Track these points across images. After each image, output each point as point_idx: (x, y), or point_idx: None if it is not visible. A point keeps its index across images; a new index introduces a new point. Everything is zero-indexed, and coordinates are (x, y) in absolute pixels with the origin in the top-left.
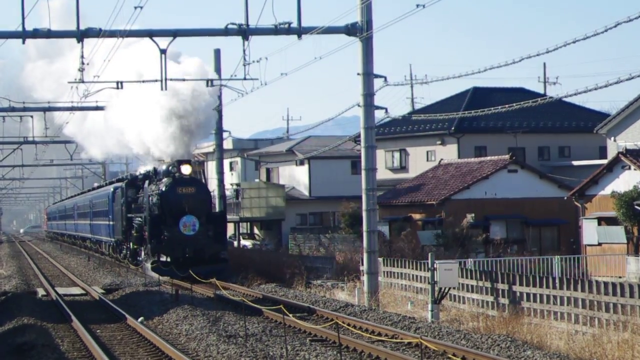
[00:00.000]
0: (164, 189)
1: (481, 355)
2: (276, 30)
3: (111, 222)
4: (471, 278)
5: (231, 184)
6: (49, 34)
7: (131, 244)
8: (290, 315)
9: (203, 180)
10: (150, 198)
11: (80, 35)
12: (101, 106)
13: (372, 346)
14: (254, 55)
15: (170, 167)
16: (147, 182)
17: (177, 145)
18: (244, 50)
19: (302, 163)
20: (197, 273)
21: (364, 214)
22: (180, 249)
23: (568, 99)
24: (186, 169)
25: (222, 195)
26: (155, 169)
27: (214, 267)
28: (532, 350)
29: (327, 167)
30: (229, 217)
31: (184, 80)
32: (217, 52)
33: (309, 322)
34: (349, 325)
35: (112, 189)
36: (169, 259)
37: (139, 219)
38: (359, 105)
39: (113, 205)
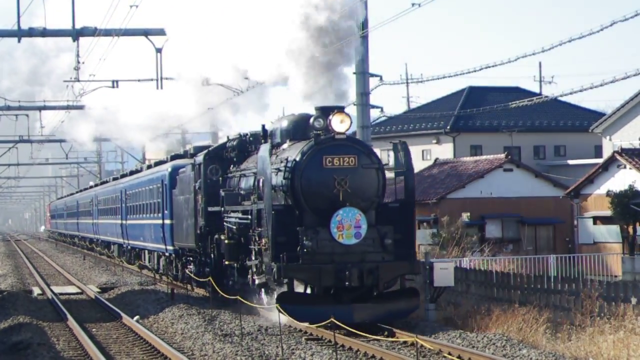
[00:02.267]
0: (297, 159)
1: (477, 354)
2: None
3: (167, 221)
4: (467, 277)
5: None
6: (44, 32)
7: (213, 255)
8: (286, 313)
9: None
10: (272, 177)
11: (76, 34)
12: (97, 105)
13: (367, 345)
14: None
15: (313, 121)
16: (261, 148)
17: (325, 80)
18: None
19: None
20: (368, 319)
21: None
22: (334, 270)
23: (564, 98)
24: (341, 123)
25: (409, 167)
26: (263, 129)
27: (399, 307)
28: (528, 349)
29: None
30: None
31: (179, 79)
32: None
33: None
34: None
35: (169, 169)
36: (308, 289)
37: (238, 214)
38: (354, 104)
39: (171, 195)
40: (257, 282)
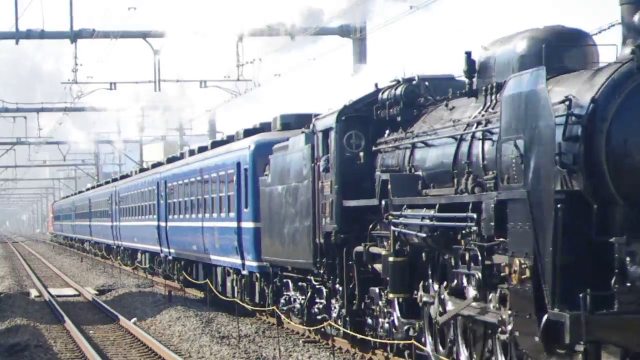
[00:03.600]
0: (603, 99)
1: None
2: (270, 31)
3: (247, 224)
4: None
5: None
6: (42, 34)
7: (348, 281)
8: (283, 316)
9: None
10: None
11: (74, 36)
12: (96, 107)
13: (365, 348)
14: (247, 57)
15: None
16: (513, 83)
17: None
18: (237, 52)
19: None
20: None
21: None
22: None
23: None
24: None
25: None
26: (469, 59)
27: None
28: None
29: None
30: None
31: (177, 81)
32: None
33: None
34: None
35: (251, 147)
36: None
37: (426, 211)
38: None
39: (256, 185)
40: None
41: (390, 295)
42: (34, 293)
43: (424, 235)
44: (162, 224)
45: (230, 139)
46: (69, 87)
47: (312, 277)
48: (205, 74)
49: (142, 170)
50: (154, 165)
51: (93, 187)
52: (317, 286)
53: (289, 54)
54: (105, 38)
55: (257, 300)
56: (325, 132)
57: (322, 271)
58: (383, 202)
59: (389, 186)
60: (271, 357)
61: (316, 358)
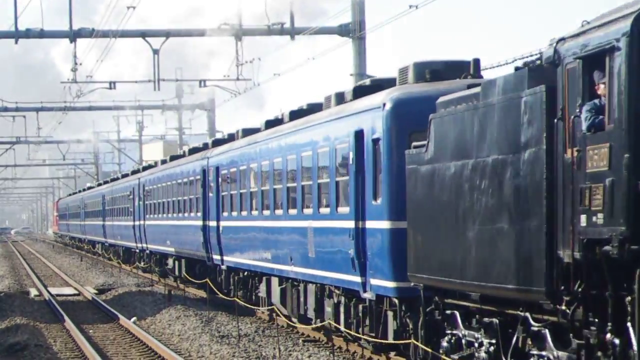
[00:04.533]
0: None
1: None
2: (269, 31)
3: (379, 223)
4: None
5: None
6: (41, 34)
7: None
8: (282, 316)
9: None
10: None
11: (73, 35)
12: (95, 106)
13: (365, 347)
14: (246, 56)
15: None
16: None
17: None
18: (236, 51)
19: None
20: None
21: None
22: None
23: None
24: None
25: None
26: None
27: None
28: None
29: None
30: None
31: (177, 80)
32: None
33: (301, 322)
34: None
35: (388, 105)
36: None
37: None
38: None
39: (392, 162)
40: None
41: None
42: (33, 292)
43: None
44: (212, 223)
45: (316, 107)
46: (68, 86)
47: (528, 314)
48: (205, 73)
49: (174, 157)
50: (192, 151)
51: (106, 182)
52: (537, 329)
53: (288, 54)
54: (104, 37)
55: (390, 338)
56: (593, 58)
57: (567, 308)
58: None
59: None
60: (271, 356)
61: (315, 357)
